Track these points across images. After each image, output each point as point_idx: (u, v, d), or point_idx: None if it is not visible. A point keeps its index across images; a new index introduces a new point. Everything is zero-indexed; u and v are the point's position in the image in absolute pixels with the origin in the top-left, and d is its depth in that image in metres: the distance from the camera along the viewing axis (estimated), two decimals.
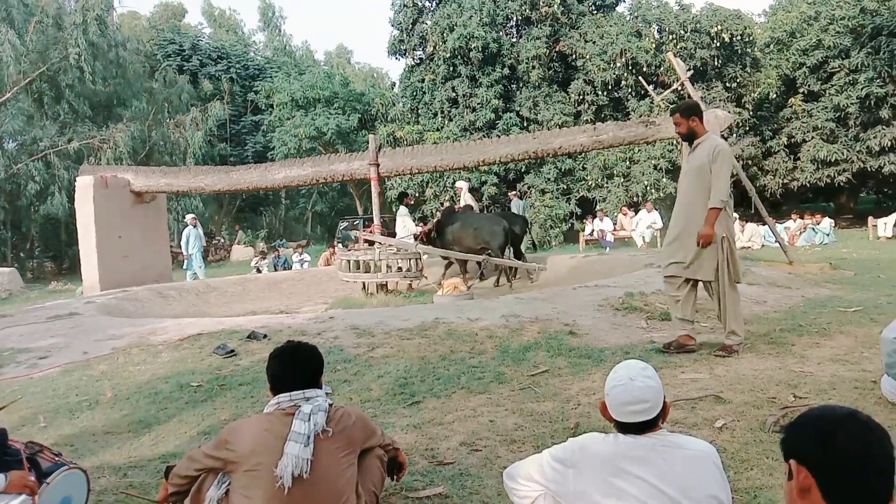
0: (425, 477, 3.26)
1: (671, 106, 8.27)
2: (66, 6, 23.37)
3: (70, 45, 21.43)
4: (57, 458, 2.95)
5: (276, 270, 16.44)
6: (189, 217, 16.82)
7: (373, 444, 2.76)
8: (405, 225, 11.98)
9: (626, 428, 2.05)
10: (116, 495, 3.26)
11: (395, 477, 3.01)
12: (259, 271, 16.55)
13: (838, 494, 1.36)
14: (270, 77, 31.63)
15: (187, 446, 3.84)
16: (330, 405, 2.60)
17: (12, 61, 20.19)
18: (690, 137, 5.30)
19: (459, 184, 14.60)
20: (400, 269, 9.62)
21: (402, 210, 12.51)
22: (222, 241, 29.02)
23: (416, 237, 11.00)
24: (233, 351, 5.87)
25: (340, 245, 18.00)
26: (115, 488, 3.34)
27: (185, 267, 16.15)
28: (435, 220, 11.67)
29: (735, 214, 16.59)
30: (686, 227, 5.24)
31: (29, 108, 22.60)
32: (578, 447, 2.08)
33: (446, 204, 12.78)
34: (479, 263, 10.97)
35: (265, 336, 6.23)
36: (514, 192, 19.73)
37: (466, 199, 13.19)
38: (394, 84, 27.47)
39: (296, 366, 2.65)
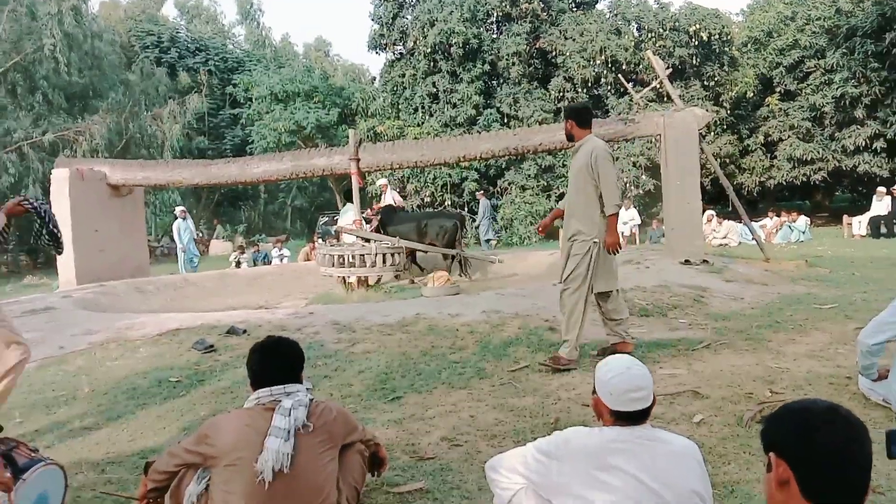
0: (406, 472, 3.26)
1: (649, 104, 8.32)
2: None
3: (45, 36, 21.09)
4: (33, 455, 2.91)
5: (255, 265, 16.34)
6: (178, 209, 16.71)
7: (354, 440, 2.76)
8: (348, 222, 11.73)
9: (627, 417, 2.07)
10: (94, 491, 3.23)
11: (376, 472, 3.01)
12: (238, 266, 16.44)
13: (816, 488, 1.38)
14: (249, 70, 31.40)
15: (166, 442, 3.82)
16: (311, 400, 2.60)
17: None
18: (570, 139, 5.25)
19: (381, 181, 13.96)
20: (384, 262, 9.57)
21: (349, 206, 12.29)
22: (201, 235, 28.77)
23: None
24: (212, 346, 5.83)
25: (320, 240, 17.93)
26: (92, 484, 3.31)
27: (182, 260, 16.02)
28: (378, 219, 11.43)
29: (712, 211, 16.89)
30: (567, 226, 5.19)
31: (2, 98, 22.20)
32: (563, 440, 2.10)
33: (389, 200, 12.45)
34: (450, 258, 11.02)
35: (244, 331, 6.20)
36: (480, 192, 19.74)
37: (388, 198, 12.83)
38: (374, 79, 27.36)
39: (276, 360, 2.64)
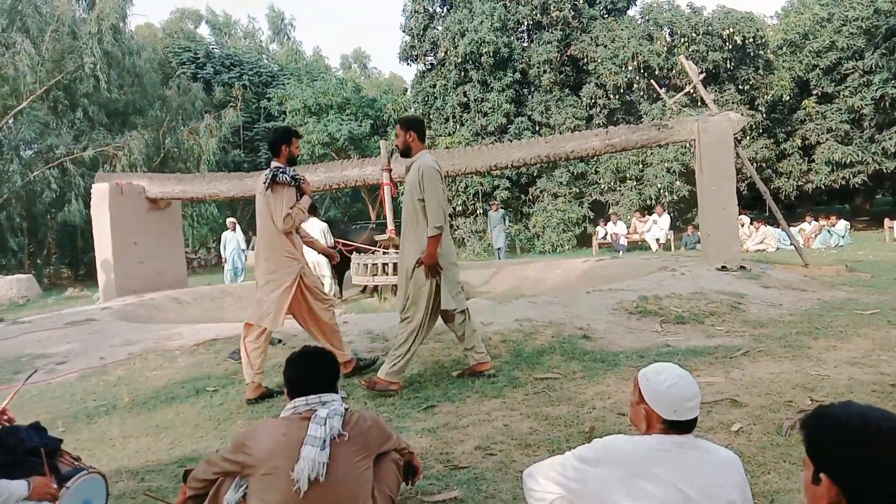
0: (440, 481, 3.26)
1: (682, 109, 8.20)
2: (81, 15, 23.60)
3: (85, 54, 21.61)
4: (76, 463, 2.98)
5: None
6: (229, 221, 16.86)
7: (388, 448, 2.77)
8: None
9: (680, 426, 2.04)
10: (135, 499, 3.29)
11: (410, 481, 3.01)
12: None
13: None
14: (283, 84, 31.80)
15: (204, 450, 3.87)
16: (346, 409, 2.61)
17: (28, 70, 20.40)
18: (406, 152, 4.96)
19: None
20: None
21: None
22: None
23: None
24: None
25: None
26: (133, 492, 3.37)
27: (226, 271, 16.22)
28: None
29: (746, 218, 16.62)
30: (402, 250, 5.02)
31: (45, 116, 22.82)
32: (603, 447, 2.08)
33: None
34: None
35: (280, 341, 6.27)
36: (494, 203, 19.58)
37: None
38: (406, 90, 27.51)
39: (312, 370, 2.67)
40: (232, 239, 16.20)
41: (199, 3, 74.20)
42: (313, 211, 10.32)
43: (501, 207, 19.18)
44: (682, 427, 2.05)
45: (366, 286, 10.71)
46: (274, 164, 5.08)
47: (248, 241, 29.93)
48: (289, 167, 5.10)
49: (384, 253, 9.57)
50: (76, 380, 5.88)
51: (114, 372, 6.01)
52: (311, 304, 5.09)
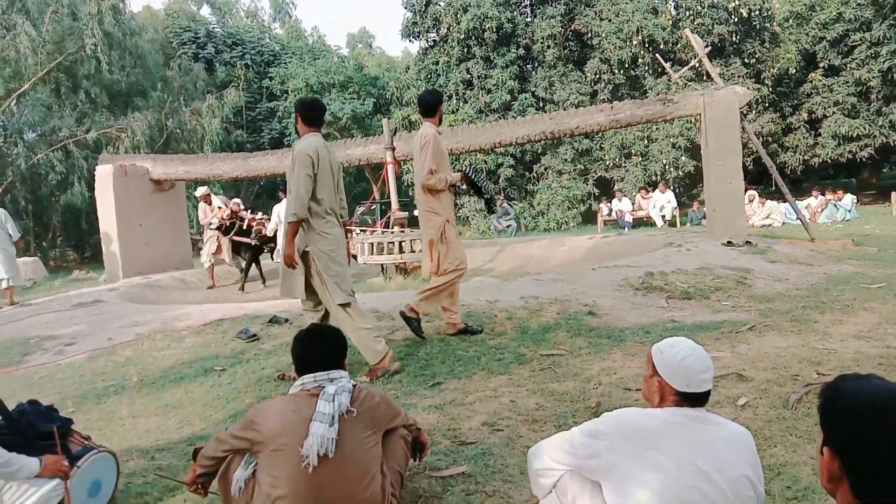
0: (448, 456, 3.29)
1: (688, 83, 8.14)
2: None
3: (86, 35, 21.49)
4: (86, 442, 3.01)
5: None
6: (232, 202, 16.75)
7: (396, 425, 2.79)
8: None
9: (693, 399, 2.05)
10: (145, 477, 3.32)
11: (418, 457, 3.03)
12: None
13: (869, 492, 1.30)
14: (285, 63, 31.61)
15: (213, 429, 3.90)
16: (354, 386, 2.63)
17: (30, 52, 20.32)
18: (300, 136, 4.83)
19: (202, 190, 11.84)
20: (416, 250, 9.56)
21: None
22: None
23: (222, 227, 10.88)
24: (255, 335, 5.94)
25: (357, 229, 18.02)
26: (143, 470, 3.41)
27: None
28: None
29: (754, 191, 16.54)
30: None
31: (47, 98, 22.77)
32: (613, 419, 2.07)
33: None
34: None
35: (286, 320, 6.29)
36: (499, 197, 19.55)
37: (218, 203, 11.58)
38: (408, 67, 27.32)
39: (320, 347, 2.68)
40: None
41: None
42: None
43: (506, 202, 19.27)
44: (695, 400, 2.05)
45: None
46: (428, 124, 5.39)
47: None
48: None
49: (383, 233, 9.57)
50: (85, 360, 5.92)
51: (122, 352, 6.05)
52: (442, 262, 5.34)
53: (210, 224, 10.88)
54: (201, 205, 11.56)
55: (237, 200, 12.03)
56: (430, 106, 5.44)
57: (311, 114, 4.74)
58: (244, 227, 10.84)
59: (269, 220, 11.26)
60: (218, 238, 11.04)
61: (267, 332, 6.05)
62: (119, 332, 6.69)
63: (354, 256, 9.33)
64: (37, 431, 2.82)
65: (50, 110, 22.56)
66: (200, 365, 5.36)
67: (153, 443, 3.85)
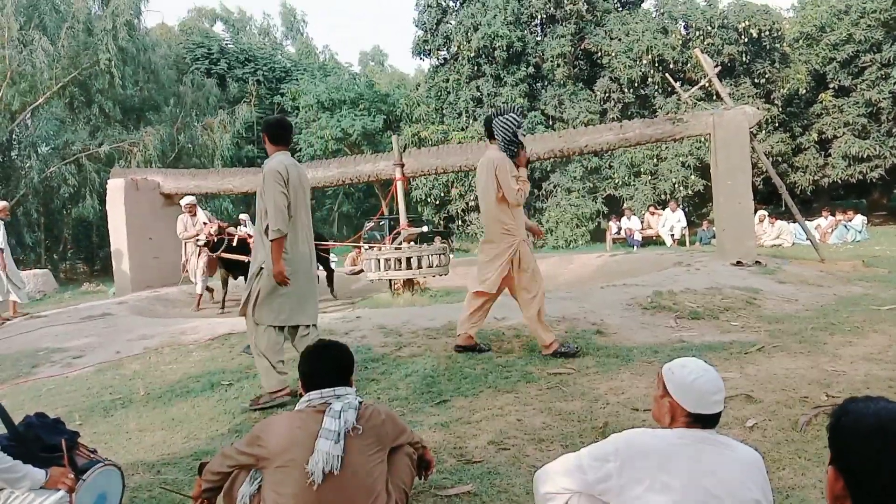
0: (454, 475, 3.27)
1: (697, 103, 8.15)
2: (97, 12, 23.74)
3: (100, 51, 21.72)
4: (92, 455, 3.01)
5: None
6: (242, 216, 16.52)
7: (402, 442, 2.78)
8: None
9: (704, 420, 2.03)
10: (151, 491, 3.32)
11: (424, 475, 3.02)
12: None
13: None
14: (296, 80, 31.87)
15: (220, 444, 3.90)
16: (360, 403, 2.62)
17: (45, 67, 20.55)
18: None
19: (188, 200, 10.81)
20: (426, 265, 9.54)
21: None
22: None
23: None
24: None
25: (367, 245, 18.04)
26: (149, 485, 3.40)
27: None
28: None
29: (764, 211, 16.50)
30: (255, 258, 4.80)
31: (61, 112, 23.00)
32: (623, 441, 2.06)
33: None
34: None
35: None
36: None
37: (202, 217, 10.73)
38: (418, 85, 27.53)
39: (326, 364, 2.68)
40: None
41: (213, 2, 74.48)
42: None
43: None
44: (706, 421, 2.04)
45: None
46: (494, 147, 5.39)
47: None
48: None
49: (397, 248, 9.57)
50: (92, 373, 5.93)
51: (129, 366, 6.06)
52: (520, 281, 5.35)
53: (197, 240, 10.04)
54: (183, 216, 10.52)
55: (244, 216, 11.66)
56: (489, 129, 5.44)
57: (279, 132, 4.77)
58: (233, 243, 10.00)
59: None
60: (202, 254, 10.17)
61: None
62: (127, 346, 6.71)
63: (361, 271, 9.11)
64: (43, 444, 2.82)
65: (63, 124, 22.78)
66: (207, 379, 5.37)
67: (159, 457, 3.85)
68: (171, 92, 26.31)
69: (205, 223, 10.36)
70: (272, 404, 4.55)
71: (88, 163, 21.88)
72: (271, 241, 4.49)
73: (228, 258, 10.02)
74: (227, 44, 34.98)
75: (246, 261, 9.93)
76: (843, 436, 1.37)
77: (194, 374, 5.60)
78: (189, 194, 12.03)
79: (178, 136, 24.61)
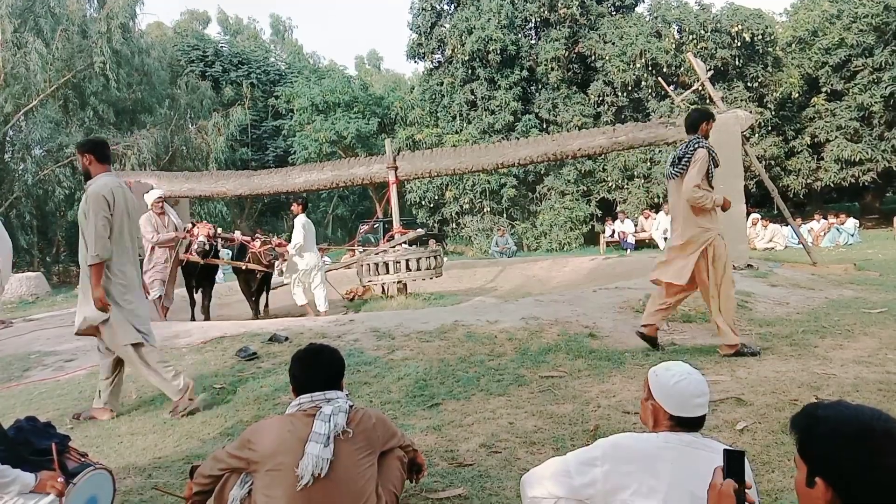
0: (445, 478, 3.27)
1: (690, 106, 8.19)
2: (91, 14, 23.70)
3: (95, 53, 21.70)
4: (83, 459, 3.00)
5: None
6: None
7: (393, 446, 2.79)
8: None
9: (687, 423, 2.05)
10: (142, 495, 3.31)
11: (415, 479, 3.03)
12: (281, 274, 16.61)
13: None
14: (291, 82, 31.86)
15: (211, 447, 3.89)
16: (351, 406, 2.63)
17: (39, 70, 20.51)
18: (87, 176, 4.66)
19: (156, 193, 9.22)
20: (419, 268, 9.54)
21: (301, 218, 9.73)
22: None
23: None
24: (255, 353, 5.93)
25: (360, 248, 18.05)
26: (140, 488, 3.40)
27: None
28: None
29: (757, 214, 16.55)
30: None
31: (55, 114, 22.94)
32: (610, 445, 2.07)
33: None
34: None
35: (286, 338, 6.29)
36: (501, 229, 19.60)
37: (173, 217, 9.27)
38: (412, 88, 27.55)
39: (317, 368, 2.69)
40: None
41: (207, 4, 74.40)
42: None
43: (507, 233, 19.40)
44: (690, 424, 2.05)
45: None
46: (695, 139, 5.31)
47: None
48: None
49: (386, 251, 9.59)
50: (84, 377, 5.92)
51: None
52: (712, 276, 5.31)
53: (192, 248, 8.97)
54: (149, 215, 8.75)
55: (261, 236, 10.30)
56: (693, 122, 5.44)
57: (105, 152, 4.72)
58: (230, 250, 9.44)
59: (283, 244, 9.98)
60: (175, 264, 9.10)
61: (267, 351, 6.04)
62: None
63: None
64: (33, 448, 2.81)
65: (57, 126, 22.71)
66: (199, 382, 5.35)
67: (150, 460, 3.84)
68: (165, 94, 26.28)
69: (187, 230, 9.16)
70: (192, 408, 4.65)
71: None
72: (89, 266, 4.43)
73: (253, 268, 9.52)
74: (221, 46, 34.97)
75: (268, 270, 9.69)
76: (824, 445, 1.34)
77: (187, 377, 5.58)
78: (183, 197, 11.98)
79: (172, 139, 24.58)
